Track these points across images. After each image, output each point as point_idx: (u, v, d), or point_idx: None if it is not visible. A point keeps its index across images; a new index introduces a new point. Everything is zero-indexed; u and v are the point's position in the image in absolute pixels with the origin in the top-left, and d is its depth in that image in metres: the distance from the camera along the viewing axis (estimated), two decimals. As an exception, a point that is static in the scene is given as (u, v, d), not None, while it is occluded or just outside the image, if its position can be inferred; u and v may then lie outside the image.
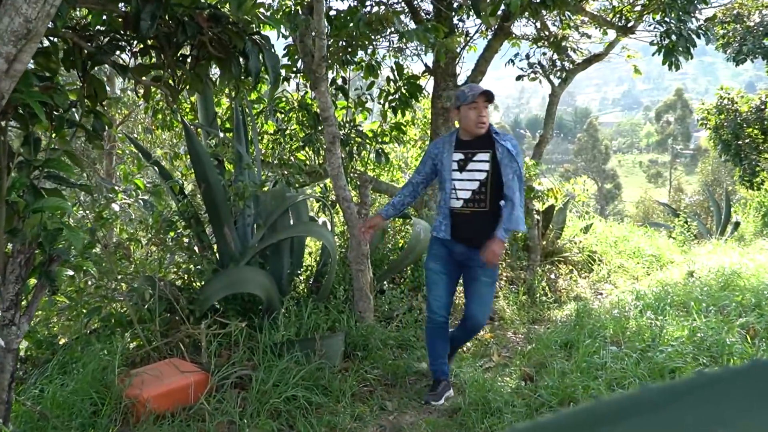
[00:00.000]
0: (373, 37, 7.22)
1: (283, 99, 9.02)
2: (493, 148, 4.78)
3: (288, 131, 9.03)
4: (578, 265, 9.62)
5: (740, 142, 20.10)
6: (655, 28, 9.08)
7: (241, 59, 4.21)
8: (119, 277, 5.73)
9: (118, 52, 4.08)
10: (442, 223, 4.91)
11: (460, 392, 5.19)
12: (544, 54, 10.58)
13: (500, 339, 6.68)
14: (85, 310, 5.82)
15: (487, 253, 4.68)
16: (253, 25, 4.34)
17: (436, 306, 5.01)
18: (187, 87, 4.39)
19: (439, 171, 4.94)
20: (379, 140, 9.05)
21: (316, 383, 5.00)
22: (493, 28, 9.17)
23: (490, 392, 4.86)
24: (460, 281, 5.14)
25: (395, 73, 8.25)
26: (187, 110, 9.07)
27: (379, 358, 5.71)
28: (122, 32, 3.99)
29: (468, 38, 9.26)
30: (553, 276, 8.88)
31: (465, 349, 6.30)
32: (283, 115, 9.00)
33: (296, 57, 8.01)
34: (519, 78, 10.71)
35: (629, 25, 9.79)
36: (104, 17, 3.94)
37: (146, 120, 12.17)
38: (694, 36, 8.79)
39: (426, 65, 9.11)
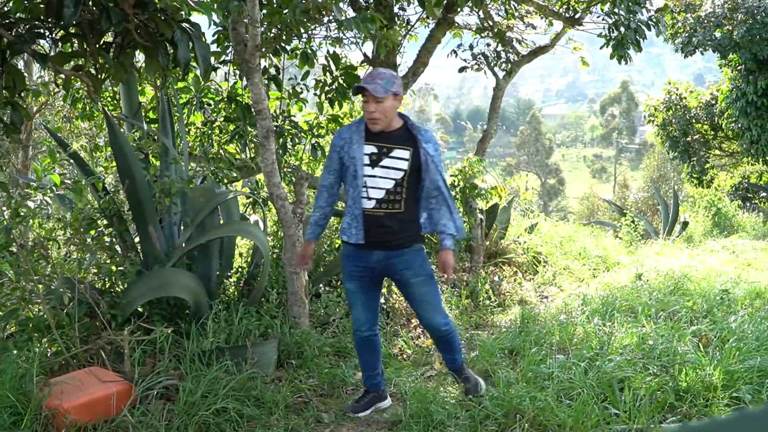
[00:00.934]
0: (309, 25, 7.21)
1: (212, 89, 8.95)
2: (414, 146, 4.59)
3: (217, 123, 8.97)
4: (523, 266, 9.77)
5: (689, 139, 20.61)
6: (603, 19, 9.25)
7: (169, 48, 4.18)
8: (36, 278, 5.63)
9: (39, 40, 4.01)
10: (352, 225, 4.64)
11: (400, 402, 5.24)
12: (488, 45, 10.69)
13: (442, 345, 6.73)
14: (1, 313, 5.71)
15: (443, 269, 4.78)
16: (182, 12, 4.31)
17: (358, 323, 4.94)
18: (111, 77, 4.34)
19: (347, 165, 4.62)
20: (315, 133, 9.05)
21: (247, 394, 4.99)
22: (436, 18, 9.23)
23: (433, 403, 4.90)
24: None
25: (331, 62, 8.25)
26: (109, 99, 8.93)
27: (315, 366, 5.71)
28: (43, 19, 3.93)
29: (409, 27, 9.31)
30: (496, 278, 8.98)
31: (405, 356, 6.36)
32: (211, 106, 8.93)
33: (226, 45, 7.96)
34: (462, 69, 10.80)
35: (576, 16, 9.95)
36: (25, 3, 3.88)
37: (65, 109, 11.94)
38: (644, 28, 8.97)
39: (365, 54, 9.13)
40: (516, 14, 10.34)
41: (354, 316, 4.96)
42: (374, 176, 4.54)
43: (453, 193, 9.34)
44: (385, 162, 4.54)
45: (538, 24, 10.91)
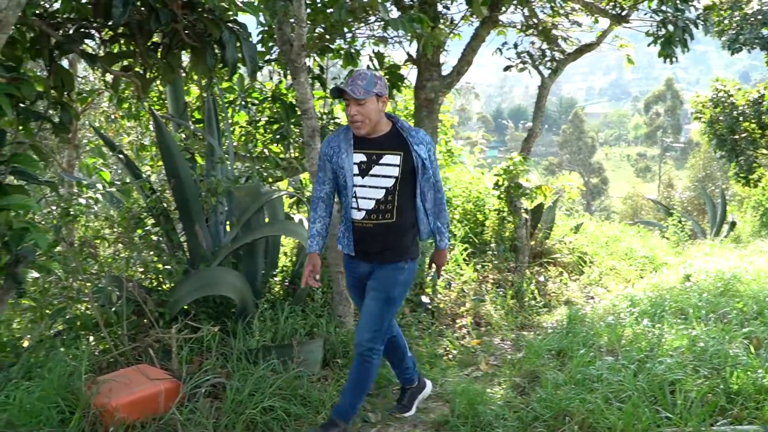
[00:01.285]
0: (352, 24, 7.22)
1: (256, 89, 8.99)
2: (405, 150, 4.27)
3: (261, 123, 9.01)
4: (568, 266, 9.70)
5: (736, 137, 20.27)
6: (650, 17, 9.12)
7: (216, 48, 4.20)
8: (85, 276, 5.70)
9: (86, 41, 4.05)
10: (345, 235, 4.44)
11: (446, 403, 5.21)
12: (533, 43, 10.60)
13: (487, 346, 6.72)
14: (49, 312, 5.79)
15: (438, 268, 4.85)
16: (230, 13, 4.33)
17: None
18: (159, 77, 4.38)
19: (337, 175, 4.38)
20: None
21: (294, 393, 5.00)
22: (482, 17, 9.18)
23: (480, 404, 4.87)
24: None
25: (375, 62, 8.24)
26: (155, 99, 9.01)
27: (362, 366, 5.71)
28: (91, 19, 3.97)
29: (453, 26, 9.26)
30: (542, 278, 8.94)
31: (451, 356, 6.34)
32: (255, 106, 8.97)
33: (270, 45, 7.99)
34: (507, 68, 10.72)
35: (623, 13, 9.83)
36: (73, 3, 3.92)
37: (110, 109, 12.08)
38: (691, 26, 8.85)
39: (408, 54, 9.10)
40: (561, 12, 10.23)
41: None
42: (364, 186, 4.28)
43: (498, 192, 9.31)
44: (375, 170, 4.27)
45: (583, 21, 10.78)
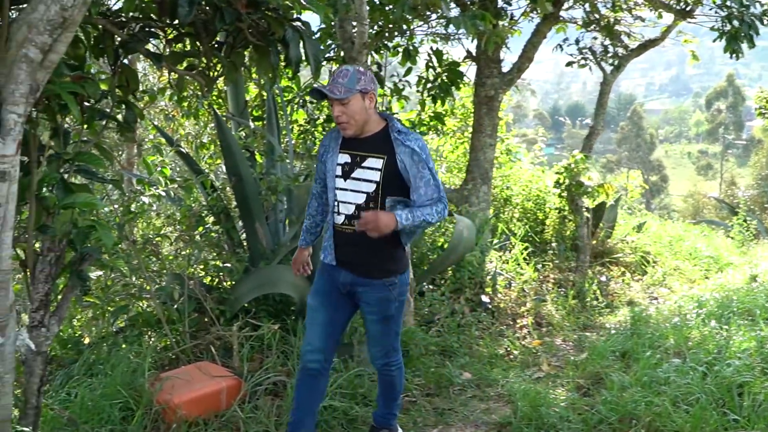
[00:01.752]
0: (411, 21, 7.19)
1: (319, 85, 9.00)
2: (388, 154, 3.87)
3: (319, 121, 9.03)
4: (631, 266, 9.56)
5: (801, 134, 19.81)
6: (715, 12, 8.95)
7: (279, 47, 4.20)
8: (147, 274, 5.76)
9: (150, 39, 4.08)
10: (328, 243, 4.09)
11: (508, 404, 5.17)
12: (595, 39, 10.49)
13: (549, 347, 6.66)
14: (111, 309, 5.87)
15: (367, 221, 3.78)
16: (293, 11, 4.32)
17: (307, 349, 4.15)
18: (223, 76, 4.40)
19: (324, 176, 4.13)
20: (417, 131, 9.02)
21: (354, 391, 5.01)
22: (542, 13, 9.09)
23: (543, 406, 4.82)
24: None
25: (433, 59, 8.20)
26: (215, 98, 9.09)
27: (421, 365, 5.71)
28: (156, 19, 3.99)
29: (514, 21, 9.19)
30: (604, 278, 8.83)
31: (511, 357, 6.29)
32: (314, 104, 9.00)
33: (329, 42, 8.00)
34: (569, 64, 10.63)
35: (687, 8, 9.65)
36: (137, 2, 3.95)
37: (168, 107, 12.21)
38: (757, 22, 8.65)
39: (468, 51, 9.06)
40: (624, 6, 10.09)
41: (305, 339, 4.21)
42: (345, 189, 3.96)
43: (558, 191, 9.20)
44: (357, 173, 3.92)
45: (646, 16, 10.62)
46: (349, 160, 3.95)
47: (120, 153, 12.91)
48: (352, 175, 3.93)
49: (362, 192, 3.91)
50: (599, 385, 5.37)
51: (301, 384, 4.17)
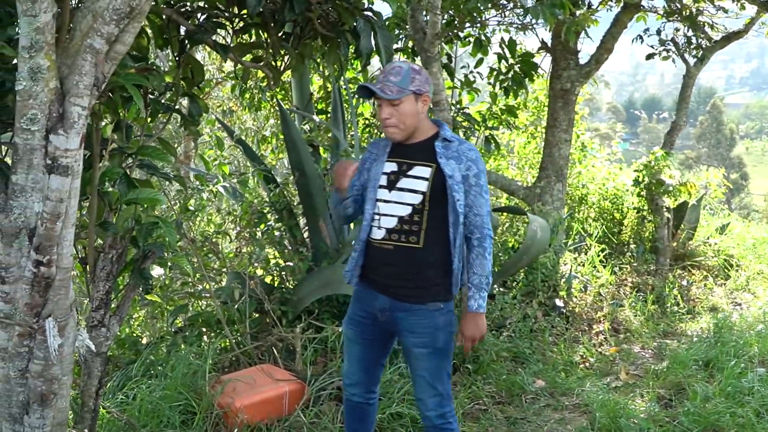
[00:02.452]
0: (485, 10, 7.10)
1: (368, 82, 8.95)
2: (437, 162, 3.58)
3: (387, 115, 8.98)
4: (713, 270, 9.34)
5: None
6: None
7: (349, 38, 4.16)
8: (207, 273, 5.78)
9: (217, 30, 4.07)
10: (355, 263, 3.72)
11: (585, 414, 5.07)
12: (677, 30, 10.27)
13: (627, 354, 6.52)
14: (170, 308, 5.90)
15: (465, 340, 3.64)
16: (364, 1, 4.28)
17: (346, 382, 3.96)
18: (291, 68, 4.37)
19: (364, 186, 3.76)
20: (489, 125, 8.92)
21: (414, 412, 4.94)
22: (623, 1, 8.92)
23: (622, 417, 4.72)
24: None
25: (506, 49, 8.09)
26: (278, 90, 9.10)
27: (492, 372, 5.63)
28: (222, 8, 3.98)
29: (592, 10, 9.02)
30: (685, 283, 8.64)
31: (587, 364, 6.17)
32: (363, 98, 8.94)
33: (397, 33, 7.95)
34: (650, 56, 10.44)
35: (772, -1, 9.39)
36: (203, -9, 3.94)
37: (228, 100, 12.31)
38: None
39: (542, 41, 8.92)
40: (706, -4, 9.86)
41: (344, 369, 3.99)
42: (388, 201, 3.60)
43: (637, 189, 9.02)
44: (403, 182, 3.59)
45: (729, 7, 10.36)
46: (395, 169, 3.62)
47: (176, 146, 13.04)
48: (398, 184, 3.60)
49: (407, 204, 3.56)
50: (681, 396, 5.29)
51: (348, 413, 4.01)
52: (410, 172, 3.57)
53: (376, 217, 3.61)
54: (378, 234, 3.60)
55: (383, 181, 3.62)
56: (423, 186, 3.54)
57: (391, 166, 3.62)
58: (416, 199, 3.54)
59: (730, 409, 4.71)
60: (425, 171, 3.55)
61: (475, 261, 3.56)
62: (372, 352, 3.83)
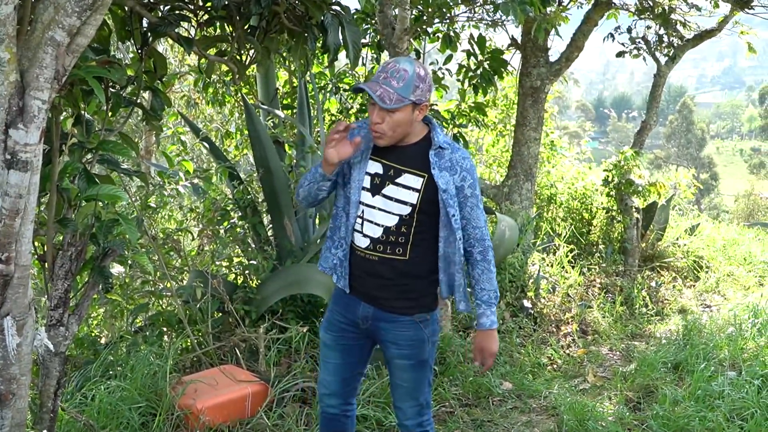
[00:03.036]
0: (454, 6, 7.12)
1: (348, 74, 8.97)
2: (430, 173, 3.34)
3: (353, 110, 8.99)
4: (682, 271, 9.46)
5: None
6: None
7: (317, 32, 4.17)
8: (168, 272, 5.76)
9: (181, 23, 4.06)
10: (339, 263, 3.54)
11: (552, 417, 5.12)
12: (649, 28, 10.38)
13: (595, 356, 6.59)
14: (130, 307, 5.87)
15: (483, 358, 3.53)
16: (333, -5, 4.30)
17: (322, 392, 3.75)
18: (256, 62, 4.37)
19: (342, 184, 3.52)
20: (457, 122, 8.95)
21: (387, 400, 4.95)
22: (594, -1, 9.02)
23: (589, 419, 4.78)
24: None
25: (475, 46, 8.12)
26: (243, 85, 9.07)
27: (459, 374, 5.66)
28: (187, 1, 3.98)
29: (563, 8, 9.09)
30: (654, 284, 8.73)
31: (555, 366, 6.23)
32: (347, 92, 8.95)
33: (365, 28, 7.96)
34: (620, 54, 10.53)
35: (746, -2, 9.52)
36: (169, -17, 3.94)
37: (191, 93, 12.25)
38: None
39: (512, 38, 8.98)
40: (680, -6, 9.97)
41: (320, 379, 3.78)
42: (373, 207, 3.38)
43: (606, 189, 9.11)
44: (389, 190, 3.36)
45: (702, 5, 10.49)
46: (380, 172, 3.38)
47: (137, 141, 12.94)
48: (384, 191, 3.36)
49: (394, 214, 3.34)
50: (650, 399, 5.36)
51: (324, 426, 3.81)
52: (399, 180, 3.35)
53: (360, 222, 3.41)
54: (362, 242, 3.42)
55: (366, 182, 3.40)
56: (413, 197, 3.33)
57: (375, 167, 3.39)
58: (404, 210, 3.34)
59: (700, 412, 4.76)
60: (416, 181, 3.34)
61: (481, 276, 3.43)
62: (351, 360, 3.65)
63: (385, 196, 3.34)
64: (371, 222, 3.37)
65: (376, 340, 3.60)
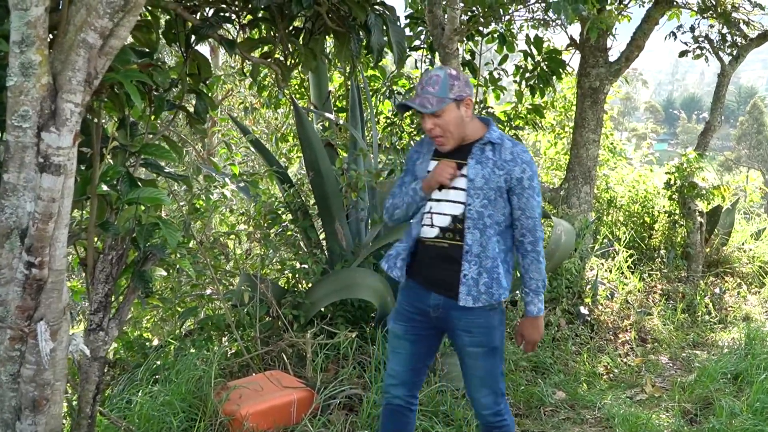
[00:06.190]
0: (508, 5, 7.05)
1: (403, 76, 8.93)
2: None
3: (408, 113, 8.94)
4: (748, 278, 9.24)
5: None
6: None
7: (361, 33, 4.14)
8: (217, 275, 5.77)
9: (225, 25, 4.06)
10: (400, 254, 3.77)
11: (606, 429, 5.02)
12: (712, 27, 10.17)
13: (654, 365, 6.47)
14: (180, 310, 5.89)
15: (525, 343, 3.76)
16: (376, -6, 4.26)
17: (389, 383, 3.89)
18: (300, 64, 4.35)
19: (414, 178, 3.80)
20: (513, 124, 8.87)
21: (435, 409, 4.91)
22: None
23: (644, 432, 4.67)
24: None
25: (532, 46, 8.04)
26: (296, 87, 9.09)
27: (510, 382, 5.58)
28: (230, 3, 3.97)
29: (622, 6, 8.95)
30: (717, 290, 8.54)
31: (611, 375, 6.11)
32: (401, 95, 8.92)
33: (419, 29, 7.92)
34: (683, 54, 10.35)
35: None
36: (210, -15, 3.94)
37: (247, 99, 12.31)
38: None
39: (571, 38, 8.86)
40: (742, -8, 9.76)
41: (388, 369, 3.93)
42: (440, 200, 3.65)
43: (669, 193, 8.93)
44: (455, 182, 3.60)
45: (766, 3, 10.25)
46: None
47: (198, 144, 13.06)
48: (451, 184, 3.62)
49: (459, 202, 3.58)
50: (707, 411, 5.22)
51: (386, 421, 3.92)
52: (461, 171, 3.57)
53: (428, 216, 3.66)
54: (431, 232, 3.64)
55: None
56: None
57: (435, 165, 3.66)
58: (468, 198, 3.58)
59: (758, 426, 4.64)
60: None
61: (530, 266, 3.62)
62: (421, 349, 3.81)
63: (450, 187, 3.58)
64: (440, 214, 3.62)
65: (446, 329, 3.75)
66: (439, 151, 3.65)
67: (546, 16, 7.85)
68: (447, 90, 3.47)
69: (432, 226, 3.64)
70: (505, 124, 8.64)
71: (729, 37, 10.10)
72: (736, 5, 9.91)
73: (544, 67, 8.04)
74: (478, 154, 3.57)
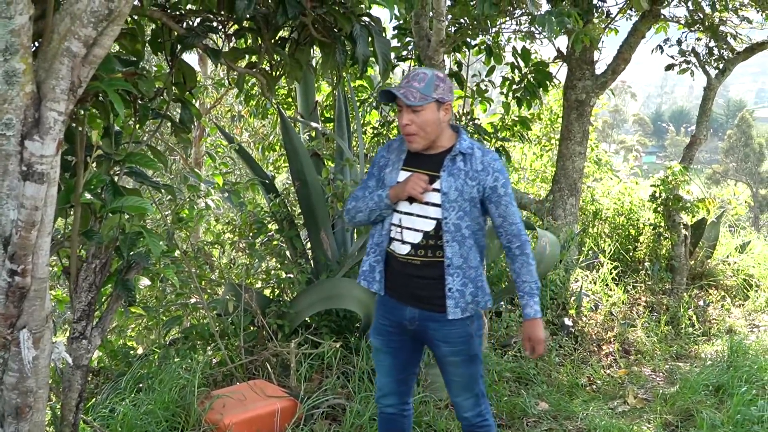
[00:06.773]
0: (495, 17, 7.09)
1: (390, 86, 8.95)
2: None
3: (394, 123, 8.98)
4: (732, 290, 9.28)
5: None
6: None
7: (347, 44, 4.16)
8: (201, 285, 5.77)
9: (210, 35, 4.07)
10: (375, 268, 3.74)
11: (587, 441, 5.05)
12: (699, 40, 10.24)
13: (636, 377, 6.49)
14: (164, 319, 5.89)
15: (531, 346, 3.70)
16: (362, 6, 4.28)
17: (379, 394, 3.97)
18: (286, 74, 4.37)
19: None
20: (500, 136, 8.90)
21: (418, 419, 4.92)
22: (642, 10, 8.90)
23: (626, 444, 4.69)
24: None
25: (519, 58, 8.08)
26: (283, 97, 9.11)
27: (493, 393, 5.59)
28: (215, 12, 3.99)
29: (609, 20, 9.01)
30: (701, 303, 8.59)
31: (594, 387, 6.13)
32: (389, 105, 8.94)
33: (407, 41, 7.96)
34: (669, 67, 10.41)
35: (798, 9, 9.36)
36: (195, -6, 3.96)
37: (236, 107, 12.33)
38: None
39: (558, 50, 8.90)
40: (729, 6, 9.80)
41: (376, 381, 4.02)
42: (410, 214, 3.61)
43: (654, 205, 8.97)
44: (428, 196, 3.57)
45: (753, 17, 10.33)
46: None
47: (188, 155, 13.05)
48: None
49: (431, 218, 3.56)
50: (689, 423, 5.24)
51: (383, 427, 4.02)
52: (434, 185, 3.55)
53: (397, 229, 3.64)
54: (402, 249, 3.62)
55: None
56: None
57: (406, 176, 3.62)
58: (439, 213, 3.55)
59: (738, 439, 4.67)
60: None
61: (522, 269, 3.63)
62: (402, 361, 3.86)
63: (422, 202, 3.56)
64: (411, 229, 3.60)
65: (424, 340, 3.79)
66: (409, 161, 3.65)
67: (532, 28, 7.88)
68: (432, 89, 3.48)
69: (403, 242, 3.62)
70: (492, 135, 8.67)
71: (716, 51, 10.16)
72: (724, 19, 9.98)
73: (531, 79, 8.08)
74: (450, 166, 3.56)
